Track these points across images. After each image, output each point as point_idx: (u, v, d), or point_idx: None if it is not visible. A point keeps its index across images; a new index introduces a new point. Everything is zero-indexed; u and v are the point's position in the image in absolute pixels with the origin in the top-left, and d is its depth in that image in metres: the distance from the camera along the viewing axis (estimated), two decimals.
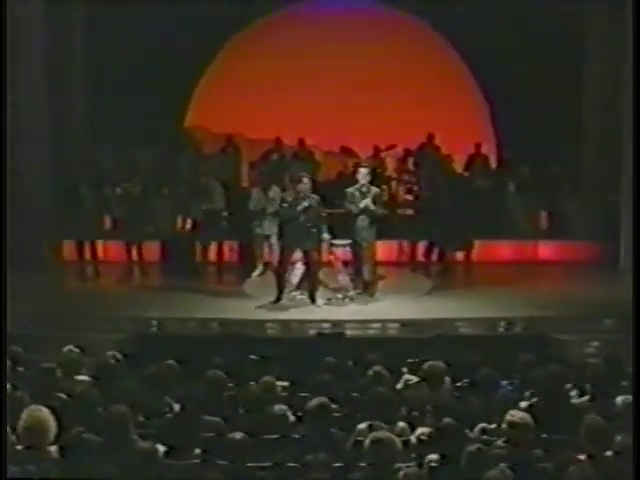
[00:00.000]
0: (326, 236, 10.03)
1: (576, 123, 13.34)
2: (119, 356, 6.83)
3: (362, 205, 9.90)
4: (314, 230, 9.90)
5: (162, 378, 6.36)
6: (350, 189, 10.11)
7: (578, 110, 13.36)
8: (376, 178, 11.18)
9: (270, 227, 11.12)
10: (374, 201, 9.98)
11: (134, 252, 12.18)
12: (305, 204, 9.78)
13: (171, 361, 6.55)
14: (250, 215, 11.66)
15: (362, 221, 9.98)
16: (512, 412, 5.23)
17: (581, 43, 13.32)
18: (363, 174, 10.11)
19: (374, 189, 10.18)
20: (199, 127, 14.87)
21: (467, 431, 5.50)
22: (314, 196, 9.93)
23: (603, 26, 12.72)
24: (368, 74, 14.33)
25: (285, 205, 9.97)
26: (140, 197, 12.42)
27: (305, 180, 9.90)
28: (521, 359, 6.59)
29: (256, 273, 11.64)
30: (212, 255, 12.54)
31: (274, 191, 11.28)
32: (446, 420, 5.33)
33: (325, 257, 10.56)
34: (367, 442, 4.91)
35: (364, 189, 10.02)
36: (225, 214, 12.65)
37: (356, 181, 10.23)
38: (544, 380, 5.98)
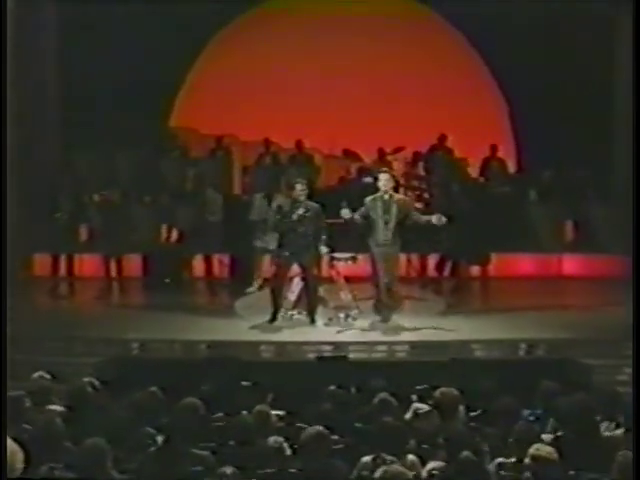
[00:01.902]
0: (324, 249, 9.99)
1: (604, 123, 13.35)
2: (96, 383, 6.80)
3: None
4: (313, 242, 9.88)
5: (144, 407, 6.34)
6: (369, 198, 9.96)
7: (606, 109, 13.37)
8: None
9: (273, 240, 11.08)
10: (401, 211, 9.81)
11: (113, 266, 12.18)
12: (299, 213, 9.77)
13: (154, 388, 6.53)
14: (250, 225, 11.66)
15: (385, 234, 9.88)
16: (537, 446, 5.20)
17: (611, 39, 13.35)
18: (384, 181, 9.89)
19: (398, 197, 10.08)
20: (186, 128, 14.88)
21: (483, 466, 5.47)
22: (312, 204, 9.92)
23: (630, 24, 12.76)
24: (372, 69, 14.35)
25: (281, 214, 9.95)
26: (120, 205, 12.43)
27: (299, 186, 9.89)
28: (544, 386, 6.57)
29: (251, 290, 11.63)
30: (200, 270, 12.54)
31: (278, 200, 11.29)
32: (460, 453, 5.31)
33: (326, 272, 10.55)
34: (377, 476, 4.89)
35: (386, 197, 9.92)
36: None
37: (360, 186, 10.21)
38: (570, 410, 5.95)
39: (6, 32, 10.47)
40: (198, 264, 12.62)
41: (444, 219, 9.83)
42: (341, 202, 9.89)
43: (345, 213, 9.83)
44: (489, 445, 5.80)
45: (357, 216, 9.82)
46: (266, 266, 11.65)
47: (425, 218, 9.91)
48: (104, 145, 13.92)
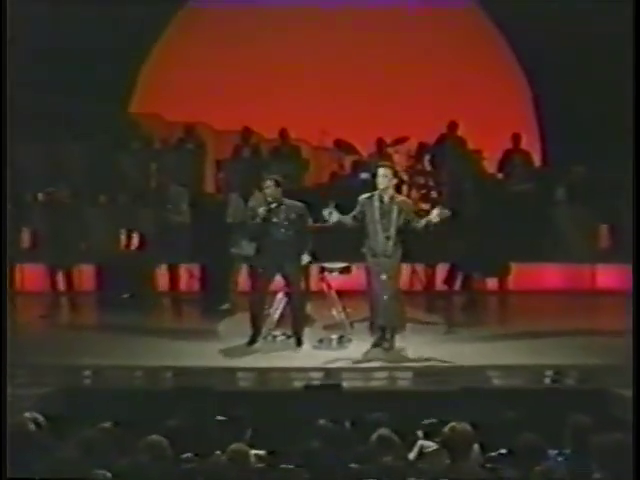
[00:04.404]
0: (305, 257, 9.94)
1: None
2: (40, 419, 6.77)
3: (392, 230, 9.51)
4: (298, 249, 9.88)
5: (97, 446, 6.30)
6: (365, 196, 9.78)
7: None
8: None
9: (249, 246, 11.06)
10: (401, 216, 9.63)
11: (61, 279, 12.15)
12: (261, 212, 9.76)
13: (108, 424, 6.51)
14: (225, 230, 11.66)
15: (383, 243, 9.74)
16: None
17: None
18: (383, 177, 9.69)
19: (399, 198, 10.03)
20: (149, 114, 14.89)
21: None
22: (293, 203, 9.92)
23: None
24: (369, 44, 14.41)
25: (255, 216, 9.96)
26: (69, 206, 12.39)
27: (268, 183, 9.88)
28: (574, 421, 6.57)
29: (226, 306, 11.63)
30: (165, 282, 12.54)
31: (253, 200, 11.30)
32: None
33: (315, 285, 10.56)
34: None
35: (385, 197, 9.78)
36: None
37: (356, 184, 10.21)
38: (605, 450, 5.94)
39: (6, 32, 10.55)
40: (163, 276, 12.59)
41: (447, 212, 9.55)
42: (329, 203, 9.73)
43: (329, 214, 9.60)
44: None
45: (347, 219, 9.70)
46: (243, 278, 11.65)
47: (424, 221, 9.57)
48: (51, 134, 13.90)
